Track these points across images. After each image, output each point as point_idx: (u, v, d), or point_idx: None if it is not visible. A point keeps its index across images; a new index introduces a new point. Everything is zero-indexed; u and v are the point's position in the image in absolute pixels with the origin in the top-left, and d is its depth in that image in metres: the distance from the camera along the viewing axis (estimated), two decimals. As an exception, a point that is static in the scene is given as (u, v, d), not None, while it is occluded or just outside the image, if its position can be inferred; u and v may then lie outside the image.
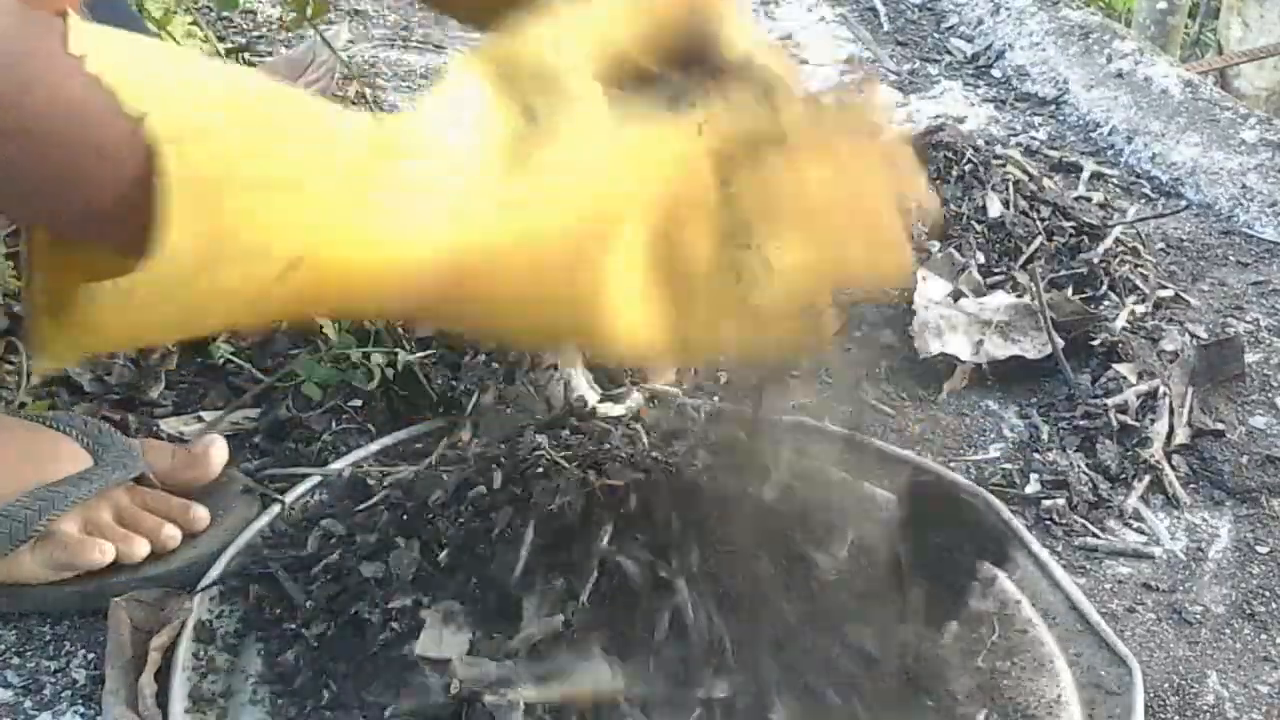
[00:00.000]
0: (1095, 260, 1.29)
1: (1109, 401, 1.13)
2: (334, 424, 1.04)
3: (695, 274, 0.66)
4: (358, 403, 1.05)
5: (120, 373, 1.07)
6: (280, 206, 0.57)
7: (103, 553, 0.86)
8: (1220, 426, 1.14)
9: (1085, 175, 1.57)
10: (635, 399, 1.02)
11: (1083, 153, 1.65)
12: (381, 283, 0.62)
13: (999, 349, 1.18)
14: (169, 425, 1.04)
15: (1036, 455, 1.10)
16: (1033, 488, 1.06)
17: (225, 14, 1.81)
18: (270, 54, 1.73)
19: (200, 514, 0.91)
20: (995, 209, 1.29)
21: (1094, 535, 1.03)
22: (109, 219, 0.56)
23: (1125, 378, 1.16)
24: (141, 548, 0.88)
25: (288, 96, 0.61)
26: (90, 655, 0.85)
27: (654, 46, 0.68)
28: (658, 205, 0.64)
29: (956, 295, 1.20)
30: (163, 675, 0.81)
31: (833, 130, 0.67)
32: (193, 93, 0.58)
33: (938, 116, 1.68)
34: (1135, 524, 1.05)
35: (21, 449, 0.89)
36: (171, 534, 0.89)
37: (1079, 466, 1.08)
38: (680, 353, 0.70)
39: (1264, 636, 0.95)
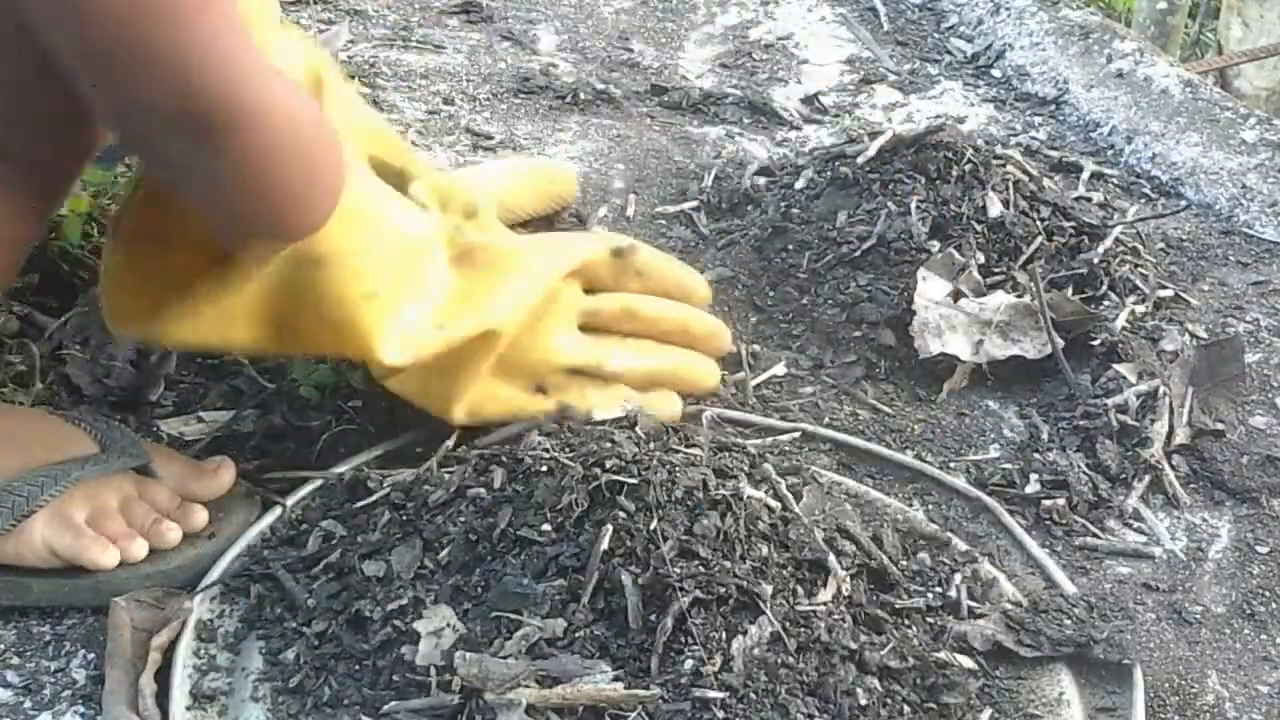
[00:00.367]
0: (1095, 260, 1.29)
1: (1109, 401, 1.13)
2: (333, 425, 1.04)
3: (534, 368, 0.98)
4: (358, 403, 1.05)
5: (120, 374, 1.06)
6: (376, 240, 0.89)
7: (110, 557, 0.87)
8: (1220, 426, 1.14)
9: (1085, 175, 1.57)
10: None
11: (1083, 153, 1.65)
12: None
13: (999, 349, 1.18)
14: (169, 426, 1.04)
15: (1036, 455, 1.10)
16: (1033, 488, 1.06)
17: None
18: (270, 54, 1.73)
19: (200, 514, 0.92)
20: (995, 209, 1.29)
21: (1094, 535, 1.03)
22: (302, 210, 0.83)
23: (1125, 378, 1.16)
24: (142, 549, 0.88)
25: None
26: (90, 655, 0.85)
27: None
28: (533, 313, 0.97)
29: (956, 295, 1.20)
30: (163, 675, 0.82)
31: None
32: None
33: (938, 116, 1.68)
34: (1135, 524, 1.05)
35: (30, 434, 0.91)
36: (173, 534, 0.90)
37: (1079, 466, 1.08)
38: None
39: (1264, 636, 0.95)
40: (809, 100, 1.73)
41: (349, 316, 0.88)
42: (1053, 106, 1.78)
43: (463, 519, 0.85)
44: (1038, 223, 1.31)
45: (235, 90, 0.72)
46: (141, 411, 1.05)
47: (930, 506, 1.04)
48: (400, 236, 0.91)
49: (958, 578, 0.92)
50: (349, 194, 0.84)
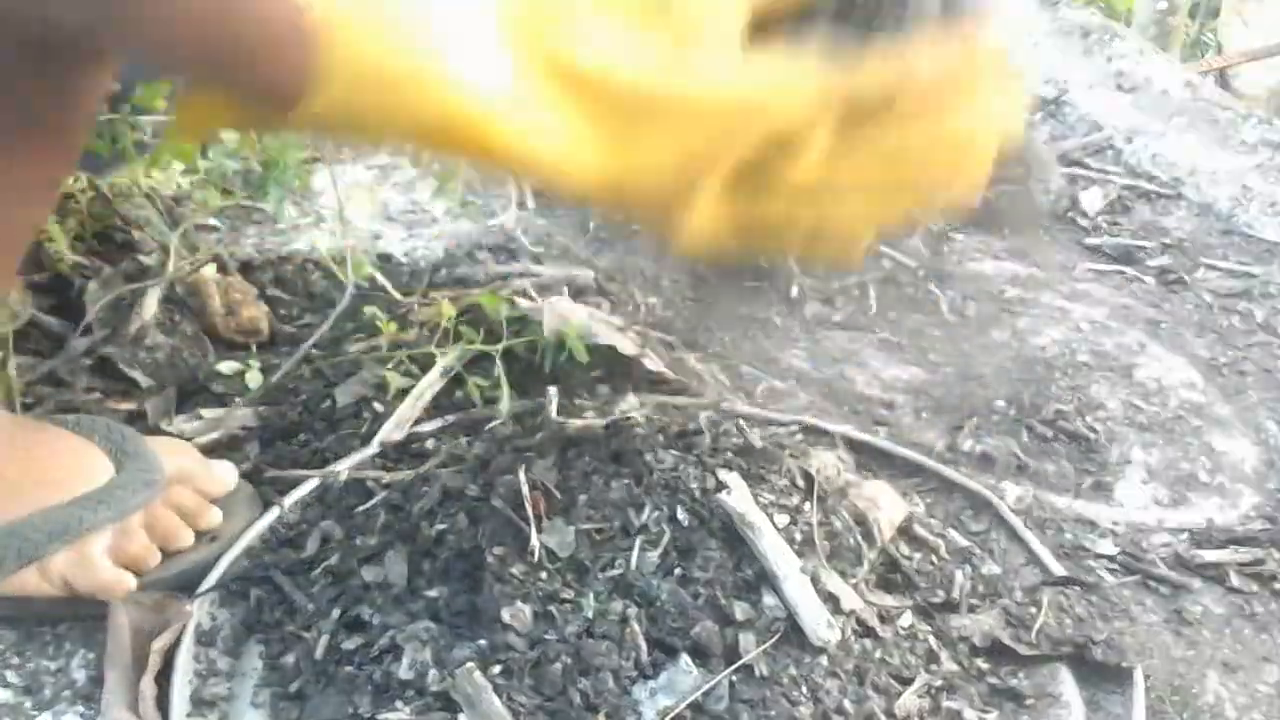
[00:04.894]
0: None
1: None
2: (334, 425, 1.04)
3: (773, 195, 0.70)
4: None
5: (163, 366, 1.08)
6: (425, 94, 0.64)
7: (128, 588, 0.86)
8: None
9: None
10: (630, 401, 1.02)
11: (1083, 152, 1.65)
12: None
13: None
14: (169, 424, 1.04)
15: (1034, 455, 1.10)
16: (1030, 487, 1.06)
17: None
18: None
19: (215, 514, 0.92)
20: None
21: (1093, 534, 1.03)
22: (264, 72, 0.63)
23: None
24: (155, 560, 0.88)
25: None
26: (90, 655, 0.85)
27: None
28: (764, 136, 0.67)
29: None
30: (163, 678, 0.81)
31: (949, 85, 0.69)
32: None
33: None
34: (1134, 523, 1.05)
35: (44, 457, 0.89)
36: (189, 537, 0.90)
37: (1075, 466, 1.08)
38: (733, 250, 0.74)
39: (1264, 636, 0.95)
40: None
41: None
42: (1053, 106, 1.77)
43: (453, 529, 0.85)
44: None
45: None
46: (193, 398, 1.05)
47: (930, 501, 1.04)
48: None
49: (959, 575, 0.92)
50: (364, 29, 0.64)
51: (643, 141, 0.66)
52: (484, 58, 0.65)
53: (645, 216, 0.74)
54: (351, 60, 0.63)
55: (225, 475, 0.94)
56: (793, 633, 0.79)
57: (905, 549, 0.93)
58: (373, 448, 1.01)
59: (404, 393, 1.05)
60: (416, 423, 1.04)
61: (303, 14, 0.63)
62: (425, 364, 1.08)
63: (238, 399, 1.07)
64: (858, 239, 0.73)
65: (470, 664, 0.75)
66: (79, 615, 0.87)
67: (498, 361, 1.05)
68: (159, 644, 0.83)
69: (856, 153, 0.68)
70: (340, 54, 0.63)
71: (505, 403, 1.02)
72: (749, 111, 0.66)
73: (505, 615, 0.78)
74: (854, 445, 1.07)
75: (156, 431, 1.01)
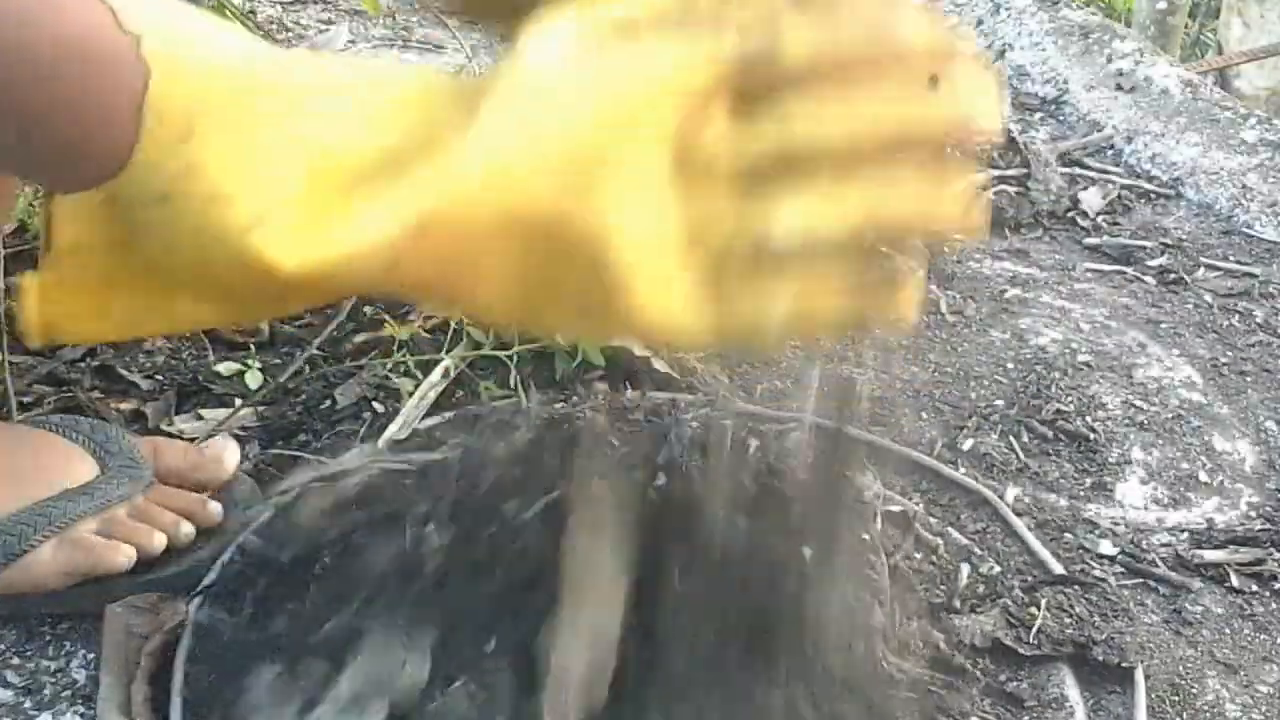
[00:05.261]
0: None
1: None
2: (334, 426, 1.04)
3: (718, 232, 0.53)
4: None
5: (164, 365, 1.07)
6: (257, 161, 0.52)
7: (127, 557, 0.85)
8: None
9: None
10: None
11: (1083, 152, 1.65)
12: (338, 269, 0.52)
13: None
14: (169, 425, 1.04)
15: (1033, 455, 1.10)
16: (1030, 487, 1.06)
17: (223, 13, 1.81)
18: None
19: (214, 509, 0.91)
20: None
21: (1093, 534, 1.03)
22: (82, 140, 0.52)
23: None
24: (160, 541, 0.87)
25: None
26: (90, 655, 0.85)
27: None
28: (662, 137, 0.51)
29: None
30: (161, 680, 0.81)
31: (866, 47, 0.52)
32: (198, 29, 0.53)
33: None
34: (1134, 522, 1.05)
35: (26, 459, 0.88)
36: (188, 531, 0.89)
37: (1074, 464, 1.08)
38: (727, 335, 0.55)
39: (1264, 636, 0.95)
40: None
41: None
42: (1053, 106, 1.78)
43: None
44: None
45: None
46: (193, 398, 1.05)
47: (930, 500, 1.04)
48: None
49: (959, 574, 0.92)
50: (194, 83, 0.51)
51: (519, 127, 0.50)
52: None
53: (576, 277, 0.52)
54: (178, 119, 0.50)
55: (225, 458, 0.93)
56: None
57: (905, 549, 0.93)
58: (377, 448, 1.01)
59: (408, 394, 1.05)
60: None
61: (135, 45, 0.50)
62: (428, 365, 1.08)
63: (238, 399, 1.07)
64: (851, 265, 0.56)
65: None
66: (79, 614, 0.87)
67: (512, 367, 1.05)
68: (150, 646, 0.82)
69: (773, 134, 0.52)
70: (167, 105, 0.50)
71: (529, 405, 1.01)
72: (648, 77, 0.50)
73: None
74: (853, 444, 1.07)
75: (156, 432, 1.01)
